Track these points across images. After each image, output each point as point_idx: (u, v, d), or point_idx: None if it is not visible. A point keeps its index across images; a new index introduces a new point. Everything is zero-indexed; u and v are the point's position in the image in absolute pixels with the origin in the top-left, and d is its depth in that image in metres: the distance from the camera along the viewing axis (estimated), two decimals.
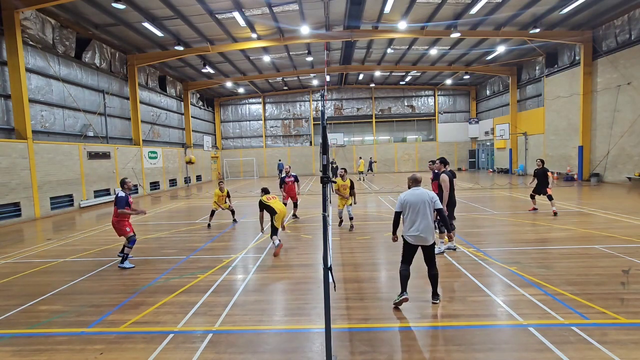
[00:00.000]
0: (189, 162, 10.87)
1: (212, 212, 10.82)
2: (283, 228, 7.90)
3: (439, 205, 4.57)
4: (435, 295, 4.63)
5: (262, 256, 7.18)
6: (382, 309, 4.54)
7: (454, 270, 5.97)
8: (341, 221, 9.88)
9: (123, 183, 7.03)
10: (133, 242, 6.85)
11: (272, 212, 7.25)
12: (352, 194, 9.37)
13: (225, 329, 4.12)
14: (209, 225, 10.61)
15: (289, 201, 11.16)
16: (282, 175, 11.02)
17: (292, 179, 10.94)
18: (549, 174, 10.57)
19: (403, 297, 4.45)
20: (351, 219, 9.47)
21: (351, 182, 9.37)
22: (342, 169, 9.67)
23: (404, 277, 4.52)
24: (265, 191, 7.89)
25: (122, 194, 6.87)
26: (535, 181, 10.91)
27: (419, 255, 4.66)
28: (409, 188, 4.74)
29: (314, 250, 7.50)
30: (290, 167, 11.47)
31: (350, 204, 9.41)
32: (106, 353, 3.70)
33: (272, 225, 7.30)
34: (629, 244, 6.98)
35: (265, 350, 3.66)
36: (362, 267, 6.28)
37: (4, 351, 3.84)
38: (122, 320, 4.45)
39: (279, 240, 7.31)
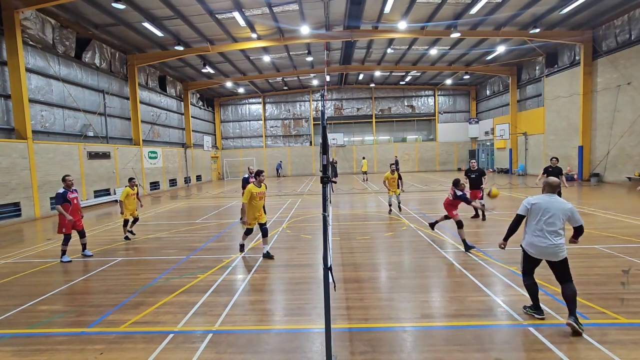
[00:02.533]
0: None
1: (126, 222, 9.10)
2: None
3: (580, 222, 3.89)
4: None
5: (262, 256, 7.17)
6: (382, 309, 4.54)
7: (454, 270, 5.97)
8: (390, 209, 11.48)
9: (63, 180, 7.28)
10: (66, 240, 7.29)
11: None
12: (399, 185, 11.31)
13: (225, 329, 4.12)
14: (126, 237, 9.08)
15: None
16: (246, 176, 10.78)
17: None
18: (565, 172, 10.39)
19: (541, 317, 4.06)
20: (399, 202, 11.65)
21: (399, 174, 11.34)
22: (392, 164, 11.76)
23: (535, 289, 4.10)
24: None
25: (61, 190, 7.16)
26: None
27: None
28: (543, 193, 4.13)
29: (314, 250, 7.50)
30: (251, 169, 11.30)
31: (399, 194, 11.40)
32: (106, 353, 3.70)
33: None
34: (629, 244, 6.98)
35: (265, 350, 3.66)
36: (362, 267, 6.28)
37: (4, 351, 3.84)
38: (122, 320, 4.45)
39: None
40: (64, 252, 7.33)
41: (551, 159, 10.40)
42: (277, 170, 33.69)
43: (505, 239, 4.28)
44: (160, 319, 4.43)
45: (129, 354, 3.67)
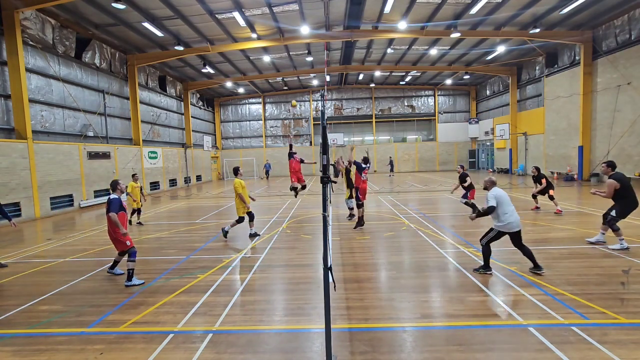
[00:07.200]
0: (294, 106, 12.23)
1: (134, 211, 11.30)
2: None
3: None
4: (537, 266, 5.53)
5: (262, 256, 7.18)
6: (382, 309, 4.54)
7: (454, 270, 5.97)
8: None
9: (116, 184, 6.28)
10: (134, 254, 5.86)
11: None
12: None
13: (225, 329, 4.12)
14: (140, 223, 11.36)
15: None
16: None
17: None
18: (543, 181, 10.72)
19: (488, 272, 5.65)
20: None
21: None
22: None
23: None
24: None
25: (114, 196, 6.12)
26: (538, 186, 11.20)
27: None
28: (489, 189, 5.88)
29: (314, 250, 7.50)
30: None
31: None
32: (106, 353, 3.70)
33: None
34: (629, 244, 6.96)
35: (265, 350, 3.66)
36: (362, 267, 6.28)
37: (4, 351, 3.84)
38: (122, 320, 4.45)
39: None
40: (132, 271, 5.78)
41: (531, 169, 11.51)
42: (267, 171, 32.91)
43: (479, 215, 5.95)
44: (160, 319, 4.43)
45: (129, 354, 3.67)
